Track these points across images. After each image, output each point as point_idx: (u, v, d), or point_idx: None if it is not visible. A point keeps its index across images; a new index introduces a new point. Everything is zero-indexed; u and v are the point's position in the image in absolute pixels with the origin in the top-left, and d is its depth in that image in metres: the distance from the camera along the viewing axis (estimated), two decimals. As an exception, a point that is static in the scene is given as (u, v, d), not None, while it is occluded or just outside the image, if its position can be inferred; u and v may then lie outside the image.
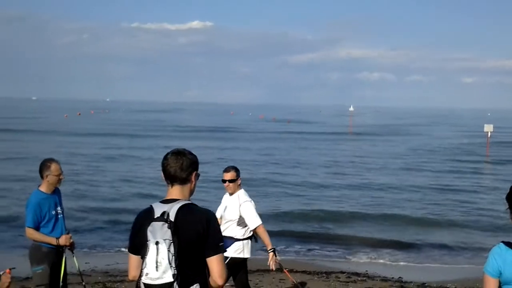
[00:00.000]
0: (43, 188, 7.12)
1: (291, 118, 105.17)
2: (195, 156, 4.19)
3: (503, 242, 3.95)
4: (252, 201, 7.63)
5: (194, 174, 4.15)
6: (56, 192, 7.24)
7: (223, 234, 7.37)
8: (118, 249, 14.61)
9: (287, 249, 15.12)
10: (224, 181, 7.64)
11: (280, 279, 11.47)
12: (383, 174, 29.76)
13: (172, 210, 3.93)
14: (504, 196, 4.04)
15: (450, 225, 18.20)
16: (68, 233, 7.23)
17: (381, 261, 14.24)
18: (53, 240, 7.03)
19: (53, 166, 7.11)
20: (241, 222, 7.53)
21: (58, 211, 7.20)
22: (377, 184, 26.05)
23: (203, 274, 4.00)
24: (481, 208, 20.80)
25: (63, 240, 7.10)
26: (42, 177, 7.12)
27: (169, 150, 4.17)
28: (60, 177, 7.18)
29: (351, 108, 75.51)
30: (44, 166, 7.13)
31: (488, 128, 39.02)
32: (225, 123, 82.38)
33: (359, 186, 25.62)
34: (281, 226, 17.36)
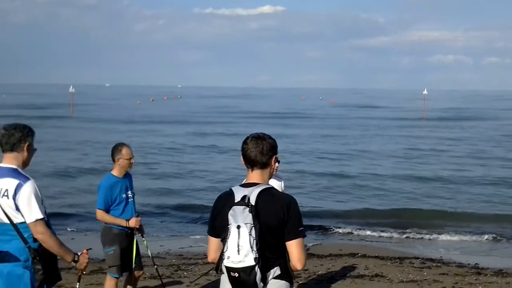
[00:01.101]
0: (115, 172, 7.28)
1: (362, 103, 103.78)
2: (274, 140, 4.21)
3: None
4: None
5: (273, 158, 4.16)
6: (127, 176, 7.41)
7: None
8: (190, 233, 14.82)
9: (359, 234, 15.00)
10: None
11: (353, 264, 11.36)
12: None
13: (253, 194, 3.96)
14: None
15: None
16: (137, 216, 7.36)
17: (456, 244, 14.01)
18: (123, 222, 7.18)
19: (124, 150, 7.27)
20: None
21: (129, 195, 7.34)
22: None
23: (283, 257, 4.03)
24: None
25: (133, 222, 7.23)
26: (113, 160, 7.29)
27: (248, 135, 4.19)
28: (131, 161, 7.33)
29: (425, 92, 73.45)
30: (115, 150, 7.29)
31: None
32: (296, 108, 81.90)
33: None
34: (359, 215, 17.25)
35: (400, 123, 52.69)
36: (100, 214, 7.18)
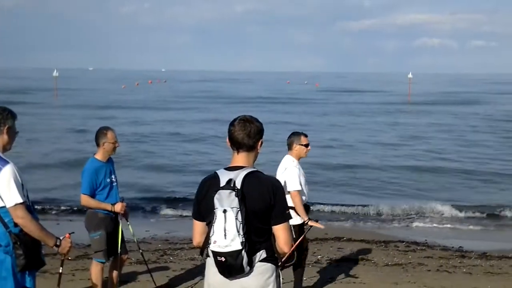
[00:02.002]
0: (99, 156, 7.23)
1: (347, 87, 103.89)
2: (261, 124, 4.19)
3: None
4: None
5: (260, 142, 4.15)
6: (110, 160, 7.35)
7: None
8: (176, 218, 14.83)
9: (342, 218, 15.07)
10: (307, 145, 7.73)
11: (338, 248, 11.42)
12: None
13: (238, 178, 3.94)
14: None
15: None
16: (122, 201, 7.32)
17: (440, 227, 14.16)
18: (108, 206, 7.14)
19: (109, 134, 7.22)
20: None
21: (113, 179, 7.31)
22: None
23: (269, 240, 4.04)
24: None
25: (118, 207, 7.19)
26: (98, 144, 7.24)
27: (236, 117, 4.15)
28: (116, 145, 7.29)
29: (410, 75, 73.62)
30: (100, 133, 7.24)
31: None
32: (279, 93, 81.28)
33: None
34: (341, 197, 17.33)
35: (385, 108, 52.01)
36: (85, 199, 7.13)
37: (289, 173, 7.53)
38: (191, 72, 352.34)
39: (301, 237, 7.61)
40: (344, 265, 10.15)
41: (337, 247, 11.49)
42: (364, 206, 15.89)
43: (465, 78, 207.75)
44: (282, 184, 7.30)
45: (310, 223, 7.61)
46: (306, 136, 7.80)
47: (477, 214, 15.23)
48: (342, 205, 16.07)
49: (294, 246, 7.41)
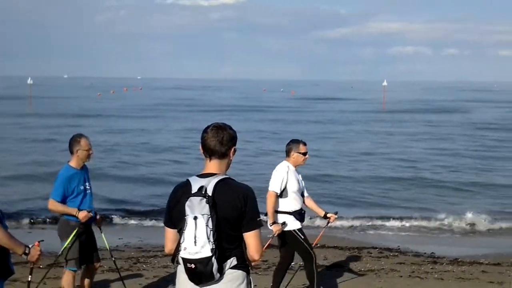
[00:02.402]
0: (73, 163, 7.20)
1: (323, 95, 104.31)
2: (234, 131, 4.21)
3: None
4: None
5: (232, 150, 4.15)
6: (84, 168, 7.31)
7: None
8: (149, 226, 14.76)
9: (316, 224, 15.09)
10: (305, 153, 7.80)
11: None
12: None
13: (210, 185, 3.95)
14: None
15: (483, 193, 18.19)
16: (95, 213, 7.29)
17: (413, 234, 14.30)
18: (73, 211, 7.05)
19: (83, 141, 7.19)
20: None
21: (87, 187, 7.27)
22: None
23: (240, 247, 4.05)
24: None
25: (82, 214, 7.09)
26: (72, 152, 7.20)
27: (209, 124, 4.18)
28: (90, 152, 7.25)
29: (384, 83, 74.22)
30: (74, 141, 7.20)
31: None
32: (255, 100, 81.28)
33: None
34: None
35: (359, 116, 51.98)
36: (53, 203, 7.04)
37: (275, 175, 7.65)
38: (167, 79, 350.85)
39: (268, 243, 7.74)
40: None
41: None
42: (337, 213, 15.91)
43: (439, 85, 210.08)
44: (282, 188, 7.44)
45: (273, 227, 7.69)
46: (305, 144, 7.87)
47: (449, 221, 15.36)
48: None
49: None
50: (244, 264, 4.07)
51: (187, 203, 3.89)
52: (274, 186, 7.62)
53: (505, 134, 36.75)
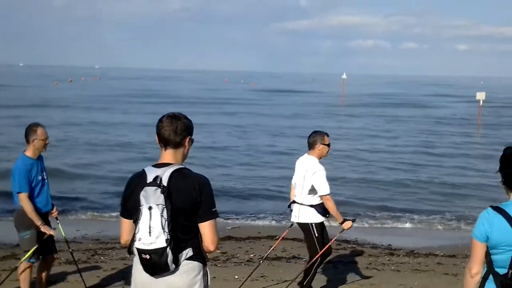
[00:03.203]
0: (29, 153, 7.08)
1: (284, 87, 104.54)
2: (190, 120, 4.18)
3: (491, 206, 3.94)
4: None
5: (188, 139, 4.12)
6: (40, 158, 7.21)
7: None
8: (108, 218, 14.63)
9: (276, 217, 15.17)
10: (329, 145, 7.80)
11: (271, 246, 11.49)
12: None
13: (165, 175, 3.93)
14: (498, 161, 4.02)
15: (435, 189, 18.44)
16: (53, 207, 7.20)
17: (368, 225, 14.49)
18: (38, 222, 6.94)
19: (39, 131, 7.07)
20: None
21: (44, 176, 7.18)
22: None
23: (196, 238, 4.02)
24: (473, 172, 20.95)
25: (45, 229, 7.04)
26: (28, 141, 7.08)
27: (164, 113, 4.14)
28: (46, 142, 7.14)
29: (344, 76, 74.89)
30: (30, 130, 7.08)
31: (480, 96, 39.10)
32: (216, 92, 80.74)
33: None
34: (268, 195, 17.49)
35: (318, 109, 52.00)
36: (24, 199, 6.89)
37: (318, 177, 7.52)
38: (126, 69, 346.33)
39: (331, 241, 7.90)
40: (276, 263, 10.28)
41: (269, 246, 11.56)
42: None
43: (398, 79, 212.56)
44: (309, 189, 7.40)
45: (344, 225, 7.77)
46: (328, 135, 7.84)
47: (406, 214, 15.58)
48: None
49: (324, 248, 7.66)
50: (200, 255, 4.05)
51: (142, 193, 3.86)
52: (325, 189, 7.52)
53: (459, 130, 37.32)
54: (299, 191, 7.74)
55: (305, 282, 7.92)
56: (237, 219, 14.65)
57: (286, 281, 8.87)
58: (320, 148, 7.69)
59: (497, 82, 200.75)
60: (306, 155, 7.82)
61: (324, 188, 7.52)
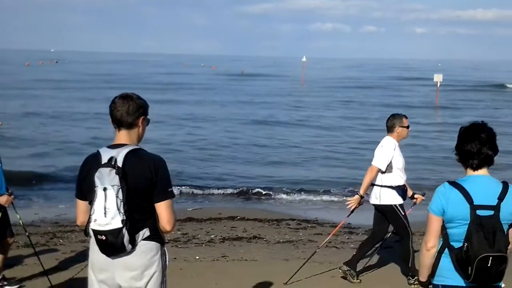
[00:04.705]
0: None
1: (244, 71, 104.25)
2: (143, 100, 4.13)
3: (448, 181, 4.00)
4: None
5: (141, 119, 4.07)
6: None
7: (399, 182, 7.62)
8: (67, 200, 14.44)
9: (235, 198, 15.22)
10: (408, 127, 7.85)
11: (232, 227, 11.53)
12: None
13: (120, 156, 3.89)
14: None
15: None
16: (10, 194, 7.05)
17: (330, 205, 14.65)
18: None
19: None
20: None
21: (-2, 161, 7.01)
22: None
23: (153, 218, 4.01)
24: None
25: (3, 199, 6.90)
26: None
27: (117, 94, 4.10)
28: (-1, 124, 6.98)
29: (304, 59, 75.07)
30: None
31: (438, 78, 39.68)
32: (175, 77, 79.36)
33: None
34: (230, 176, 17.51)
35: (278, 92, 51.89)
36: None
37: (382, 151, 7.59)
38: (83, 53, 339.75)
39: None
40: (237, 243, 10.30)
41: (230, 226, 11.62)
42: (256, 186, 16.16)
43: (357, 62, 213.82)
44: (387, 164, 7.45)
45: (355, 198, 7.88)
46: (407, 118, 7.86)
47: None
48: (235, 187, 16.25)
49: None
50: (157, 236, 4.04)
51: (97, 174, 3.84)
52: (379, 162, 7.55)
53: (417, 111, 37.87)
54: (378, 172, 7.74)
55: (409, 263, 7.85)
56: (198, 201, 14.65)
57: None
58: (399, 130, 7.73)
59: (455, 64, 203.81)
60: (386, 137, 7.84)
61: (378, 160, 7.61)
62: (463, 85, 66.49)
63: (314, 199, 15.21)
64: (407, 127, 7.85)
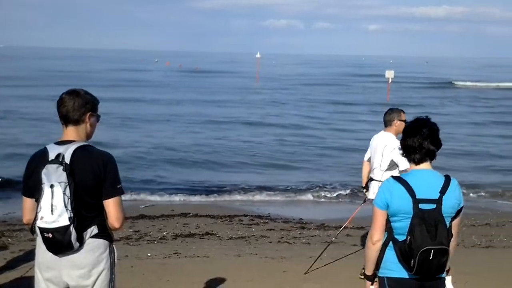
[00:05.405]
0: None
1: (199, 67, 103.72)
2: (91, 96, 4.07)
3: (392, 176, 4.09)
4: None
5: (88, 115, 4.02)
6: None
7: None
8: (17, 198, 14.17)
9: (190, 195, 15.17)
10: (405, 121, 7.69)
11: (184, 224, 11.52)
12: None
13: (68, 152, 3.84)
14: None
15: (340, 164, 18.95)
16: None
17: (282, 201, 14.78)
18: None
19: None
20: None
21: None
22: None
23: (101, 215, 3.97)
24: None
25: None
26: None
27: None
28: None
29: (258, 55, 75.03)
30: None
31: (389, 74, 40.26)
32: (127, 74, 77.62)
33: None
34: (183, 174, 17.46)
35: (232, 90, 51.21)
36: None
37: (399, 152, 7.41)
38: (31, 48, 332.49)
39: None
40: (189, 240, 10.29)
41: (183, 223, 11.61)
42: (208, 182, 16.18)
43: (311, 59, 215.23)
44: (388, 164, 7.27)
45: None
46: (404, 112, 7.79)
47: (316, 188, 15.95)
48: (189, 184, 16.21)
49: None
50: (106, 233, 4.01)
51: (44, 171, 3.78)
52: (407, 163, 7.39)
53: (367, 109, 38.34)
54: (377, 167, 7.69)
55: None
56: (150, 198, 14.57)
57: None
58: (397, 124, 7.66)
59: (407, 61, 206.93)
60: (382, 132, 7.80)
61: (405, 162, 7.51)
62: (414, 82, 67.60)
63: (267, 198, 15.18)
64: (405, 121, 7.87)
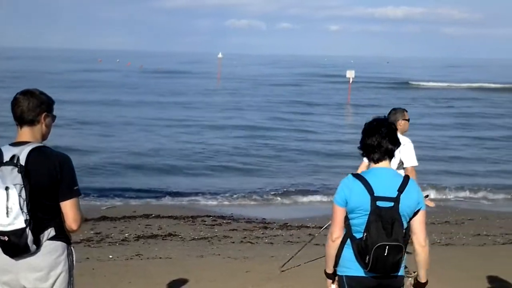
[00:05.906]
0: None
1: (160, 67, 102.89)
2: (46, 96, 3.99)
3: (351, 173, 4.12)
4: None
5: (43, 115, 3.95)
6: None
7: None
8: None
9: (154, 197, 15.07)
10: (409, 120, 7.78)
11: (146, 225, 11.45)
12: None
13: (23, 154, 3.77)
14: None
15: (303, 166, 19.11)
16: None
17: (246, 201, 14.79)
18: None
19: None
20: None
21: None
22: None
23: (58, 217, 3.90)
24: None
25: None
26: None
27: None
28: None
29: (220, 55, 74.89)
30: None
31: (350, 74, 40.60)
32: (86, 74, 76.09)
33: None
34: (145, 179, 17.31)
35: (192, 91, 50.80)
36: None
37: (408, 148, 7.40)
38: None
39: None
40: (152, 241, 10.25)
41: (145, 224, 11.54)
42: (170, 187, 16.10)
43: (273, 59, 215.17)
44: (398, 163, 7.19)
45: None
46: (407, 111, 7.81)
47: (279, 188, 16.00)
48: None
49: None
50: (63, 235, 3.95)
51: None
52: (413, 161, 7.39)
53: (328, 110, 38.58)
54: None
55: None
56: (112, 201, 14.42)
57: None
58: (402, 123, 7.65)
59: (367, 60, 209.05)
60: None
61: (413, 159, 7.48)
62: (373, 82, 68.23)
63: (231, 200, 15.06)
64: (408, 120, 7.91)
